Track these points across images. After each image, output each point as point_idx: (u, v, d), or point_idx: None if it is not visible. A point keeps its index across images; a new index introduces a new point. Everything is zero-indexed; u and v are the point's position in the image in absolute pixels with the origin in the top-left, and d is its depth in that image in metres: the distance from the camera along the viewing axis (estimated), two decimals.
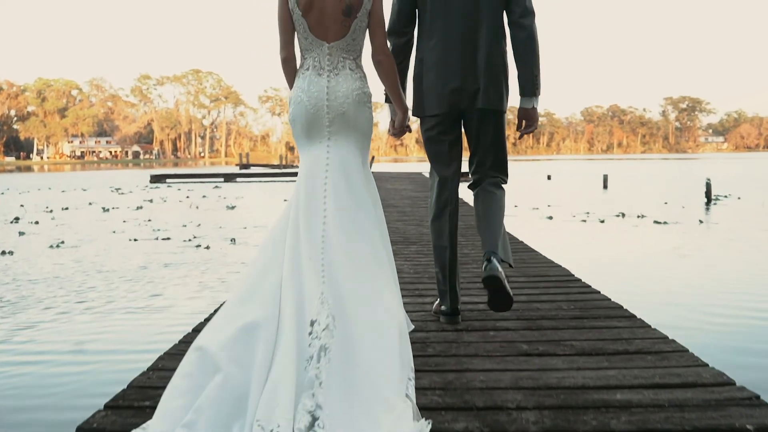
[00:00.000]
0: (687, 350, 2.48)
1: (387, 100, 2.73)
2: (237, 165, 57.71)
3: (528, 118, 2.77)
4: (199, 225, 11.15)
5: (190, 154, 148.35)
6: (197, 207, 15.16)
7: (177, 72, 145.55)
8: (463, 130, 2.87)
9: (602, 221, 11.07)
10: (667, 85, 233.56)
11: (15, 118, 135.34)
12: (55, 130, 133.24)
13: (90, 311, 5.06)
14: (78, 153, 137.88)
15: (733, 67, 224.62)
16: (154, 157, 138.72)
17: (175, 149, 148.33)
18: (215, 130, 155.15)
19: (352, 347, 1.95)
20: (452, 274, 2.89)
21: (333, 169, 2.29)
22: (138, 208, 14.98)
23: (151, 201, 17.26)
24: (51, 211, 14.48)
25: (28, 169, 76.96)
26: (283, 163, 54.49)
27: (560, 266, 4.50)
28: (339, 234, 2.18)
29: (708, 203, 14.70)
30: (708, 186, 15.10)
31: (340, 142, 2.32)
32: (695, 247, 8.12)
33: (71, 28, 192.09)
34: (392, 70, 2.45)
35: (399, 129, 2.76)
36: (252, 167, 53.82)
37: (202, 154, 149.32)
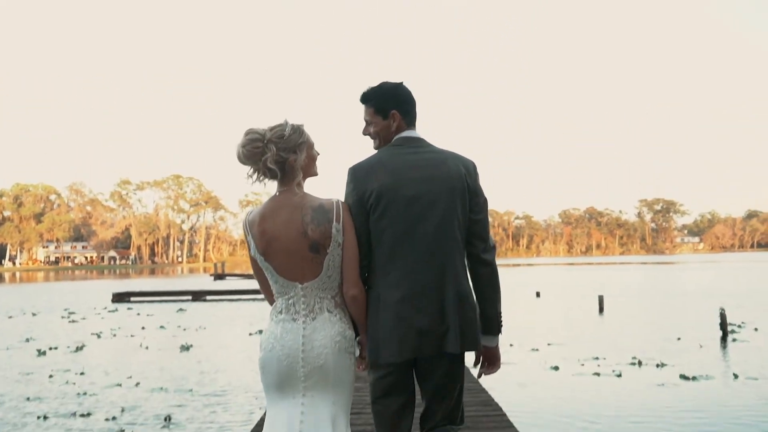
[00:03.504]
0: None
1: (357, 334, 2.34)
2: (211, 275, 55.68)
3: (491, 358, 2.48)
4: (138, 384, 9.25)
5: (167, 259, 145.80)
6: (147, 348, 13.20)
7: (158, 177, 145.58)
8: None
9: (619, 375, 9.38)
10: (641, 186, 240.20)
11: None
12: (30, 236, 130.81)
13: None
14: (52, 258, 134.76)
15: (703, 168, 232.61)
16: (130, 263, 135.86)
17: (152, 254, 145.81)
18: (194, 234, 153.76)
19: None
20: None
21: None
22: (78, 349, 13.00)
23: (99, 335, 15.27)
24: None
25: None
26: None
27: None
28: None
29: (724, 337, 13.18)
30: (722, 317, 13.64)
31: (316, 401, 2.07)
32: None
33: (51, 133, 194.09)
34: (366, 306, 2.23)
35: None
36: (227, 277, 52.06)
37: (180, 259, 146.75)
